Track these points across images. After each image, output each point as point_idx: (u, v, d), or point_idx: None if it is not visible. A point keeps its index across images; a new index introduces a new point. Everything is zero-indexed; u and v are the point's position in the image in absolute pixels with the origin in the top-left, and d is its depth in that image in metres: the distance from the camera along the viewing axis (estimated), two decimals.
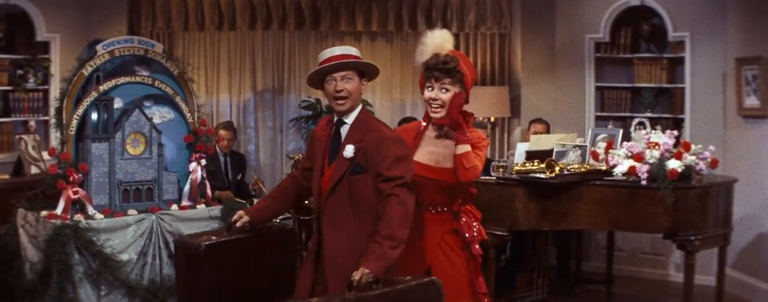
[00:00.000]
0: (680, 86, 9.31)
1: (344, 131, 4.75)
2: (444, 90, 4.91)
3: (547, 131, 9.01)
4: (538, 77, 9.83)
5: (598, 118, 9.73)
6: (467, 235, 4.99)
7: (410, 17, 10.16)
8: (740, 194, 8.15)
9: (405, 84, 10.60)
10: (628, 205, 7.02)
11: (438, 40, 5.08)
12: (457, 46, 9.86)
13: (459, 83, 4.92)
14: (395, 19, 10.20)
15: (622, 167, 7.06)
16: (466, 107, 5.07)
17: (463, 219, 5.05)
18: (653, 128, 7.60)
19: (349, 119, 4.76)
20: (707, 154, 7.15)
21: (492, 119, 10.16)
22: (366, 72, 4.83)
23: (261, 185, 9.39)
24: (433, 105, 4.95)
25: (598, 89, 9.80)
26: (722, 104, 8.96)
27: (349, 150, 4.64)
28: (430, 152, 5.07)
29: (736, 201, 7.99)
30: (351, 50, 4.87)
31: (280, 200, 5.27)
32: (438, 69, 4.92)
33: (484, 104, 9.98)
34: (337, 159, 4.71)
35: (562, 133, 8.50)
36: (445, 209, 5.01)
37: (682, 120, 9.24)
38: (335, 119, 4.80)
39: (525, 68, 10.33)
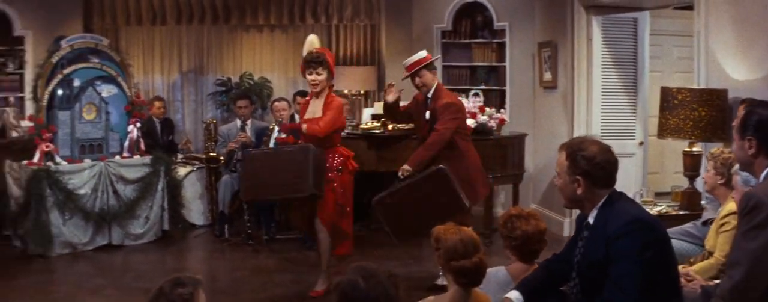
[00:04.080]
0: (504, 64, 10.70)
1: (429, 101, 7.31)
2: (317, 74, 6.98)
3: None
4: (399, 58, 9.49)
5: None
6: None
7: (300, 13, 11.60)
8: (541, 146, 9.70)
9: (297, 65, 10.97)
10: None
11: (310, 43, 7.29)
12: (338, 35, 11.82)
13: (326, 69, 7.02)
14: (288, 15, 11.59)
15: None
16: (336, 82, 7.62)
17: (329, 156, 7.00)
18: (486, 97, 9.14)
19: (430, 94, 7.34)
20: (498, 115, 8.81)
21: (362, 92, 11.30)
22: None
23: (189, 145, 10.80)
24: (312, 84, 7.06)
25: (445, 67, 11.02)
26: (531, 78, 10.16)
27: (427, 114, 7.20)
28: (312, 111, 7.14)
29: (538, 151, 9.59)
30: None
31: None
32: (313, 61, 6.96)
33: (357, 80, 11.18)
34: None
35: None
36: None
37: (505, 91, 10.65)
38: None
39: (389, 52, 11.47)
